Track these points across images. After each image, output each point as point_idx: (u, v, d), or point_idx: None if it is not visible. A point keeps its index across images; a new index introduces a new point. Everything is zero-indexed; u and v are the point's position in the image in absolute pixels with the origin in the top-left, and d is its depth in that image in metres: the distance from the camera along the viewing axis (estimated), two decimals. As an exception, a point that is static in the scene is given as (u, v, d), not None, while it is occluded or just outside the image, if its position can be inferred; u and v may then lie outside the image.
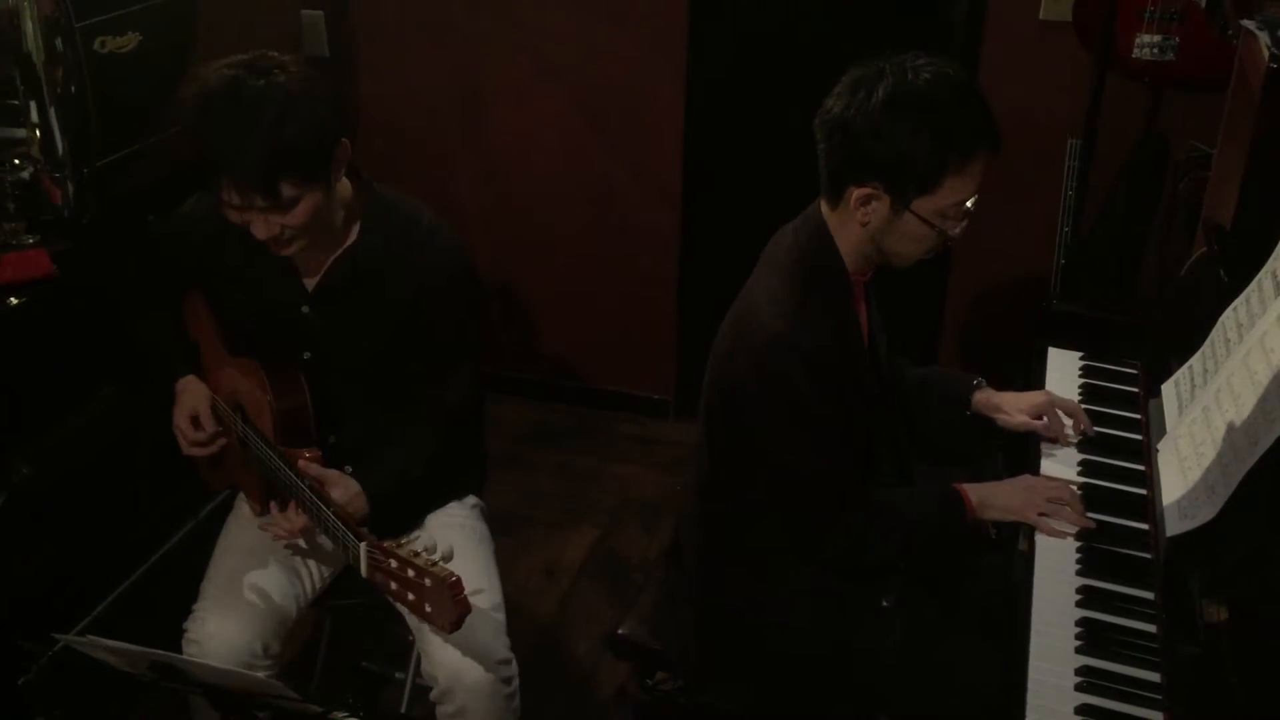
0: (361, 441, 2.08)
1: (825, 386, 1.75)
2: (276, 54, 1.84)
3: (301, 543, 2.12)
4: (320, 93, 1.84)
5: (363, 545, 1.76)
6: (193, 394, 2.11)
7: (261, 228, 1.85)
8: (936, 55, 1.73)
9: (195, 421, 2.10)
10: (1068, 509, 1.81)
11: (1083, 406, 2.13)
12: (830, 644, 1.89)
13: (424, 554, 1.69)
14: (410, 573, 1.68)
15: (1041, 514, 1.81)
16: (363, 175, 2.03)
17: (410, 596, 1.70)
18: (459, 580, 1.65)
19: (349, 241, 1.99)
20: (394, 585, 1.72)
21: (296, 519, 1.93)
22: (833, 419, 1.78)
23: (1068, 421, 2.03)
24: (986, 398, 2.08)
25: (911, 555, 1.89)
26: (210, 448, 2.10)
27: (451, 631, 1.69)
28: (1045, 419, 2.03)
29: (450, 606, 1.64)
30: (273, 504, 1.94)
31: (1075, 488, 1.87)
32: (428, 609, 1.68)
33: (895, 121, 1.66)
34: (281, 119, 1.77)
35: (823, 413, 1.76)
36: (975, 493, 1.85)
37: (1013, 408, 2.04)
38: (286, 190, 1.81)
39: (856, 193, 1.72)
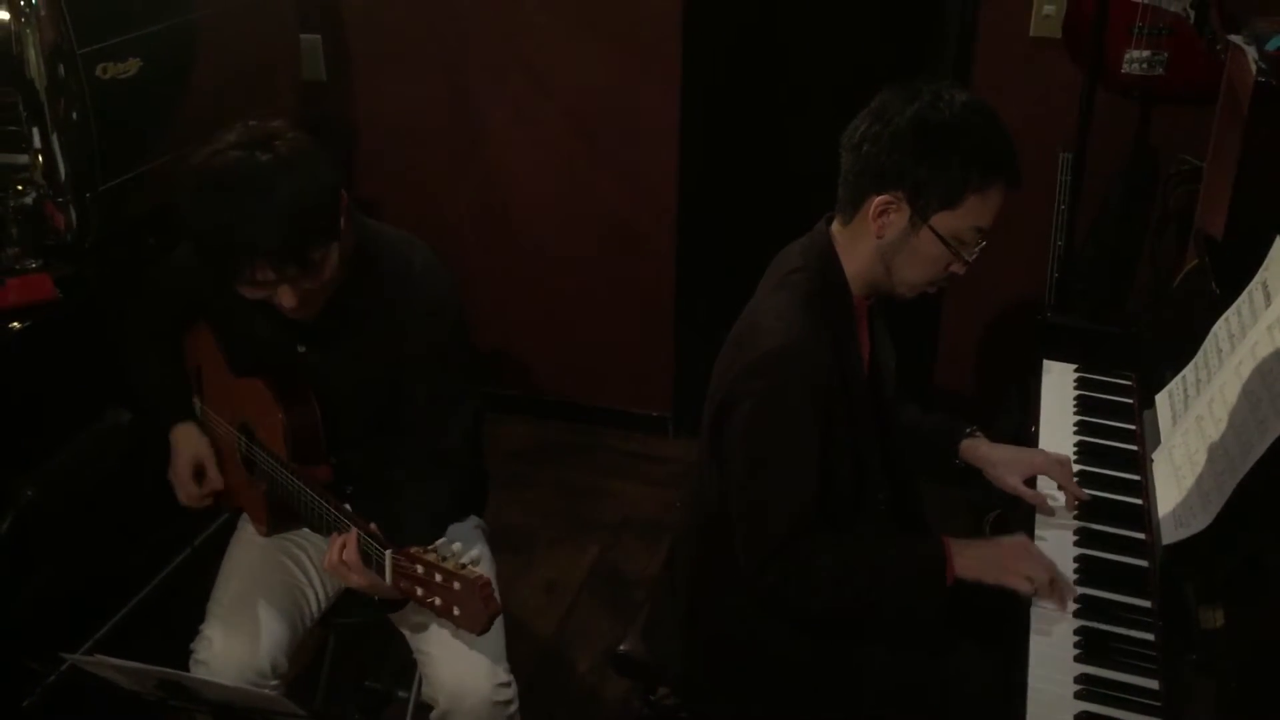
0: (363, 464, 2.09)
1: (818, 408, 1.73)
2: (262, 123, 1.83)
3: (306, 560, 2.14)
4: (317, 151, 1.84)
5: (388, 553, 1.76)
6: (194, 443, 2.13)
7: (289, 296, 1.83)
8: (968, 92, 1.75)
9: (198, 472, 2.13)
10: (1047, 587, 1.72)
11: (1078, 417, 2.15)
12: (823, 657, 1.87)
13: (451, 558, 1.70)
14: (438, 577, 1.69)
15: (1026, 576, 1.72)
16: (356, 213, 2.00)
17: (438, 601, 1.70)
18: (489, 581, 1.66)
19: (340, 284, 1.96)
20: (420, 591, 1.72)
21: (350, 553, 1.86)
22: (816, 443, 1.74)
23: (1059, 494, 1.95)
24: (975, 448, 2.01)
25: (876, 608, 1.80)
26: (206, 502, 2.15)
27: (482, 633, 1.70)
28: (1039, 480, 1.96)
29: (480, 608, 1.65)
30: (338, 551, 1.87)
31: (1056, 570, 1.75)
32: (456, 612, 1.68)
33: (929, 134, 1.67)
34: (297, 186, 1.77)
35: (808, 435, 1.73)
36: (960, 554, 1.74)
37: (1004, 467, 1.97)
38: (314, 254, 1.81)
39: (876, 201, 1.71)
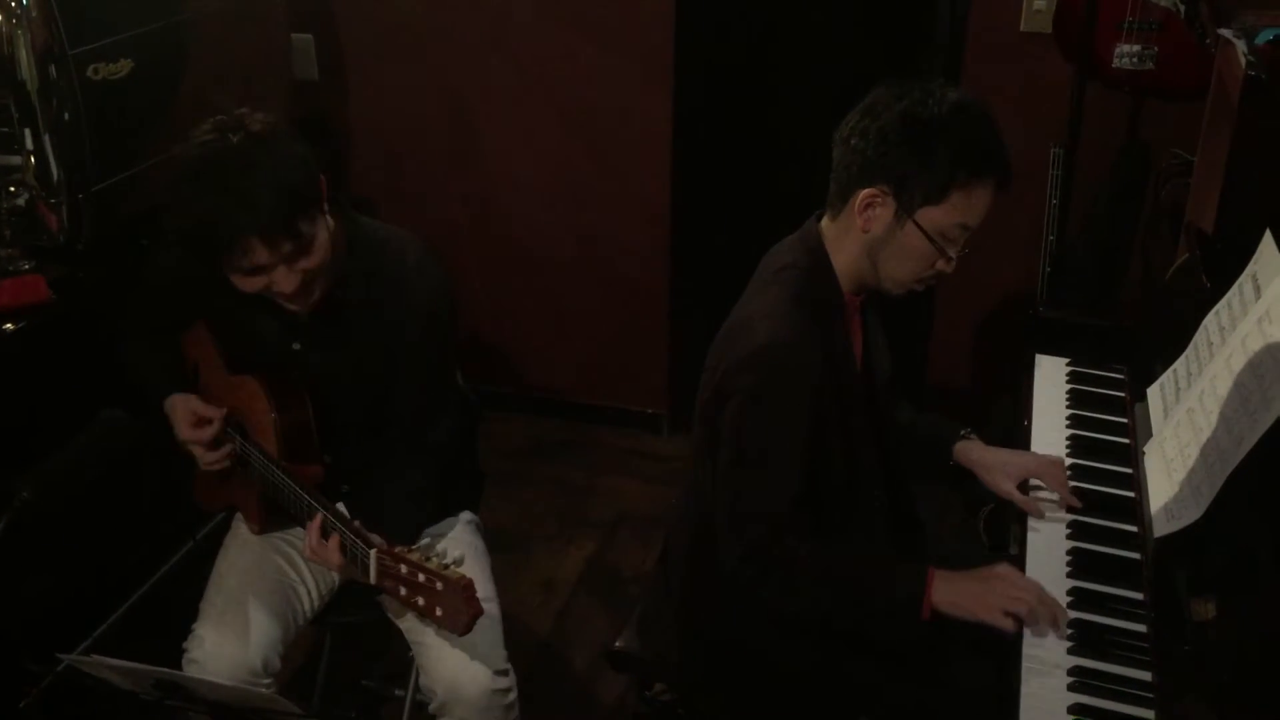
0: (358, 463, 2.09)
1: (808, 405, 1.73)
2: (229, 115, 1.84)
3: (298, 559, 2.14)
4: (286, 128, 1.86)
5: (373, 552, 1.77)
6: (182, 404, 2.11)
7: (287, 280, 1.83)
8: (960, 90, 1.75)
9: (199, 422, 2.07)
10: (1032, 614, 1.67)
11: (1070, 411, 2.16)
12: (816, 652, 1.88)
13: (435, 558, 1.70)
14: (421, 577, 1.70)
15: (1008, 612, 1.67)
16: (346, 208, 2.01)
17: (421, 601, 1.71)
18: (471, 582, 1.67)
19: (334, 280, 1.96)
20: (404, 591, 1.73)
21: (333, 554, 1.87)
22: (804, 441, 1.73)
23: (1053, 496, 1.93)
24: (967, 451, 2.01)
25: (851, 619, 1.80)
26: (224, 451, 2.06)
27: (463, 634, 1.70)
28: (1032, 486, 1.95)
29: (463, 608, 1.66)
30: (315, 534, 1.89)
31: (1043, 593, 1.70)
32: (439, 612, 1.69)
33: (914, 130, 1.68)
34: (276, 161, 1.78)
35: (796, 432, 1.72)
36: (941, 584, 1.70)
37: (997, 471, 1.96)
38: (304, 227, 1.81)
39: (862, 195, 1.71)
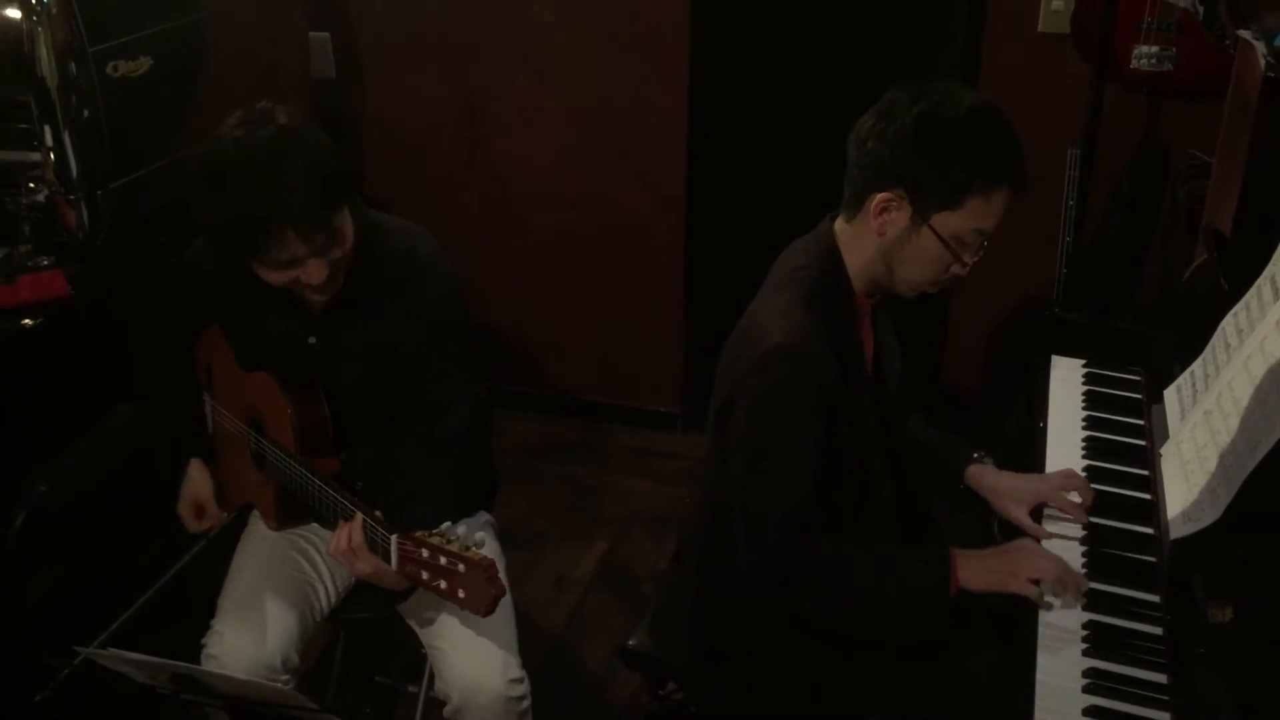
0: (372, 459, 2.10)
1: (819, 405, 1.73)
2: (255, 109, 1.83)
3: (316, 555, 2.15)
4: (314, 124, 1.86)
5: (393, 538, 1.78)
6: (195, 483, 2.18)
7: (318, 271, 1.83)
8: (979, 92, 1.75)
9: (199, 511, 2.20)
10: (1059, 581, 1.71)
11: (1086, 412, 2.15)
12: (828, 653, 1.88)
13: (456, 541, 1.71)
14: (443, 560, 1.70)
15: (1032, 580, 1.71)
16: (360, 204, 2.00)
17: (443, 584, 1.71)
18: (493, 562, 1.67)
19: (347, 274, 1.97)
20: (425, 575, 1.73)
21: (355, 536, 1.87)
22: (817, 441, 1.73)
23: (1067, 518, 1.91)
24: (980, 476, 1.98)
25: (874, 615, 1.80)
26: (207, 528, 2.23)
27: (486, 615, 1.70)
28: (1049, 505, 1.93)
29: (485, 589, 1.66)
30: (344, 539, 1.88)
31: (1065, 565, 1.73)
32: (461, 595, 1.69)
33: (933, 134, 1.67)
34: (307, 154, 1.78)
35: (808, 432, 1.72)
36: (965, 565, 1.73)
37: (1009, 497, 1.94)
38: (337, 218, 1.82)
39: (878, 198, 1.71)
